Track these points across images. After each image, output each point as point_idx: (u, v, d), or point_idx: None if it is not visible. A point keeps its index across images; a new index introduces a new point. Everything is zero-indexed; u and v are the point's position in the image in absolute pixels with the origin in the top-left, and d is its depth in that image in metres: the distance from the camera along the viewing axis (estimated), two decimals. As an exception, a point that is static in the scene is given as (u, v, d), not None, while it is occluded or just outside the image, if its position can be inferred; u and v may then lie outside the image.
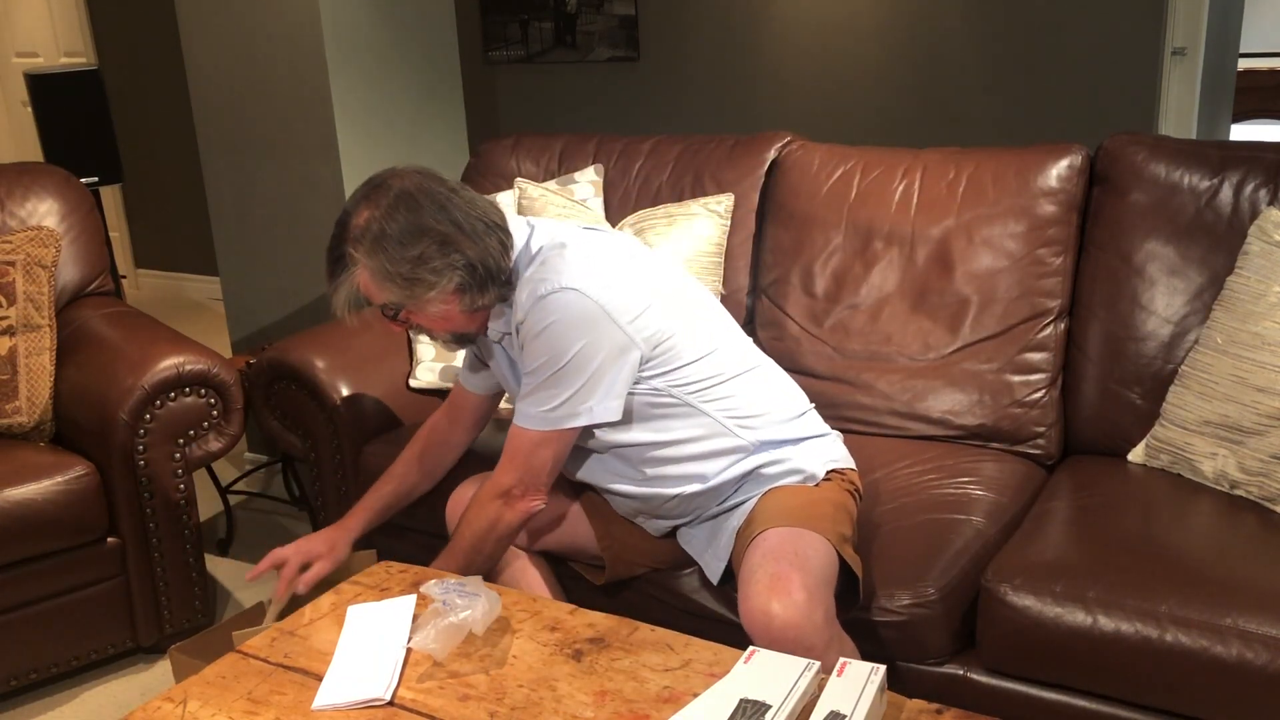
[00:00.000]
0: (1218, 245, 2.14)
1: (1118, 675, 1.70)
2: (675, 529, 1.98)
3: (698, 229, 2.58)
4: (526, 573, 2.01)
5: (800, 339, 2.45)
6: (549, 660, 1.53)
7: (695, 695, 1.40)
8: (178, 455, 2.50)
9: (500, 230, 1.80)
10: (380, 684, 1.49)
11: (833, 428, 2.01)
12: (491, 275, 1.78)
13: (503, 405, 2.33)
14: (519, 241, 1.82)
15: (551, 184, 2.78)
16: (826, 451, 1.90)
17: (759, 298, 2.58)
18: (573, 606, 1.69)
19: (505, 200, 2.79)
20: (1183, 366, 2.10)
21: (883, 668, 1.38)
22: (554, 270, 1.74)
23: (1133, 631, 1.67)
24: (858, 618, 1.80)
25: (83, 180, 3.10)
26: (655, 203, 2.73)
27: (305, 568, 1.98)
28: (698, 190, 2.69)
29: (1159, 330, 2.17)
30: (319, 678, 1.53)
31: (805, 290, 2.48)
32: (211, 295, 5.64)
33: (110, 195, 5.81)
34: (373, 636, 1.60)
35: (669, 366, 1.81)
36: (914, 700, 1.41)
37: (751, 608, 1.63)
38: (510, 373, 1.93)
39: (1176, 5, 3.04)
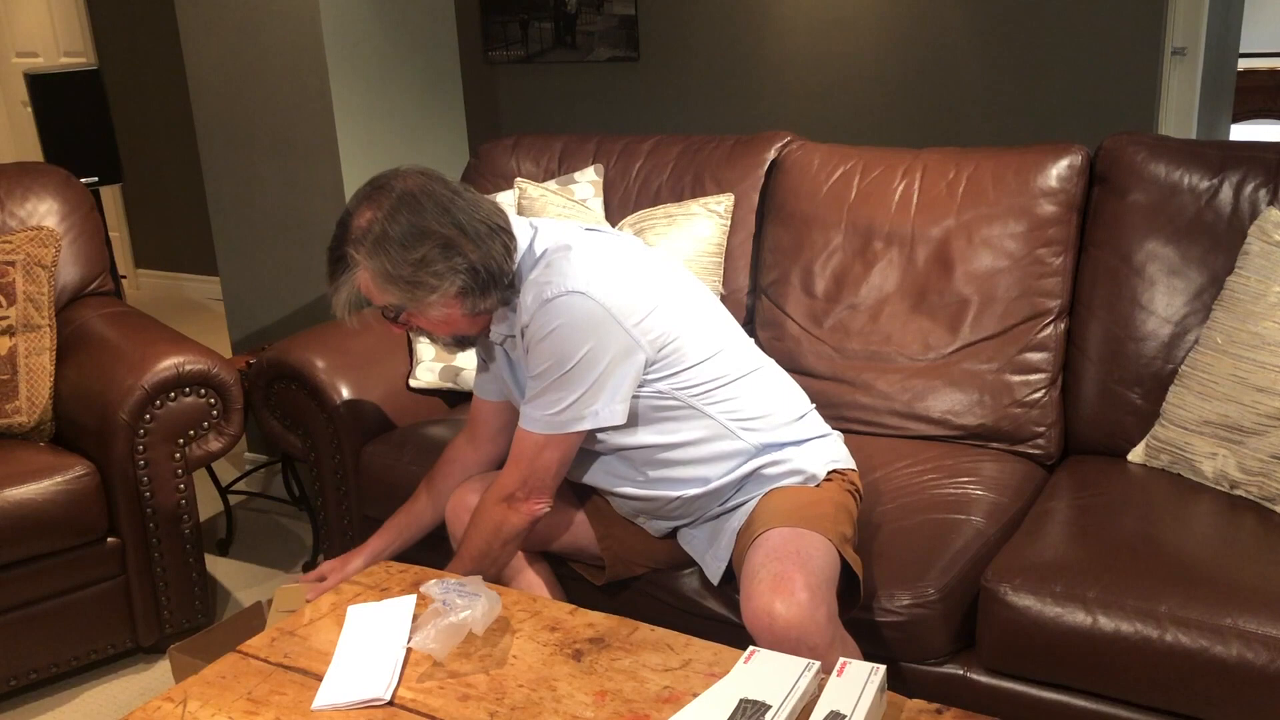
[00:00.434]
0: (1218, 245, 2.14)
1: (1118, 675, 1.70)
2: (676, 530, 1.98)
3: (698, 229, 2.58)
4: (526, 573, 2.01)
5: (800, 339, 2.45)
6: (549, 660, 1.53)
7: (695, 695, 1.40)
8: (178, 455, 2.50)
9: (504, 233, 1.79)
10: (380, 684, 1.49)
11: (833, 428, 2.01)
12: (494, 278, 1.76)
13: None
14: (522, 244, 1.81)
15: (551, 184, 2.78)
16: (828, 452, 1.90)
17: (759, 298, 2.58)
18: (573, 606, 1.69)
19: (505, 200, 2.79)
20: (1183, 366, 2.10)
21: (883, 668, 1.39)
22: (559, 273, 1.73)
23: (1133, 631, 1.67)
24: (858, 618, 1.80)
25: (83, 180, 3.10)
26: (655, 203, 2.73)
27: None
28: (698, 190, 2.69)
29: (1159, 330, 2.17)
30: (319, 678, 1.53)
31: (805, 290, 2.48)
32: (211, 295, 5.65)
33: (110, 195, 5.81)
34: (373, 636, 1.60)
35: (673, 369, 1.80)
36: (914, 700, 1.41)
37: (754, 608, 1.63)
38: (511, 376, 1.93)
39: (1176, 5, 3.04)
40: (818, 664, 1.41)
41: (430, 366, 2.65)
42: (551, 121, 4.51)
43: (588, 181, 2.80)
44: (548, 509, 1.85)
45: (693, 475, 1.86)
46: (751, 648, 1.47)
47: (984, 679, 1.82)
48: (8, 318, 2.53)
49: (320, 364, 2.54)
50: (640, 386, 1.79)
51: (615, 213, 2.77)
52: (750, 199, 2.63)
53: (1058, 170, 2.31)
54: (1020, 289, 2.30)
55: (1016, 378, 2.27)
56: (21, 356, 2.53)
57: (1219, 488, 2.01)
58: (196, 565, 2.59)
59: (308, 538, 3.17)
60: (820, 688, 1.37)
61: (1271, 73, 7.20)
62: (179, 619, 2.58)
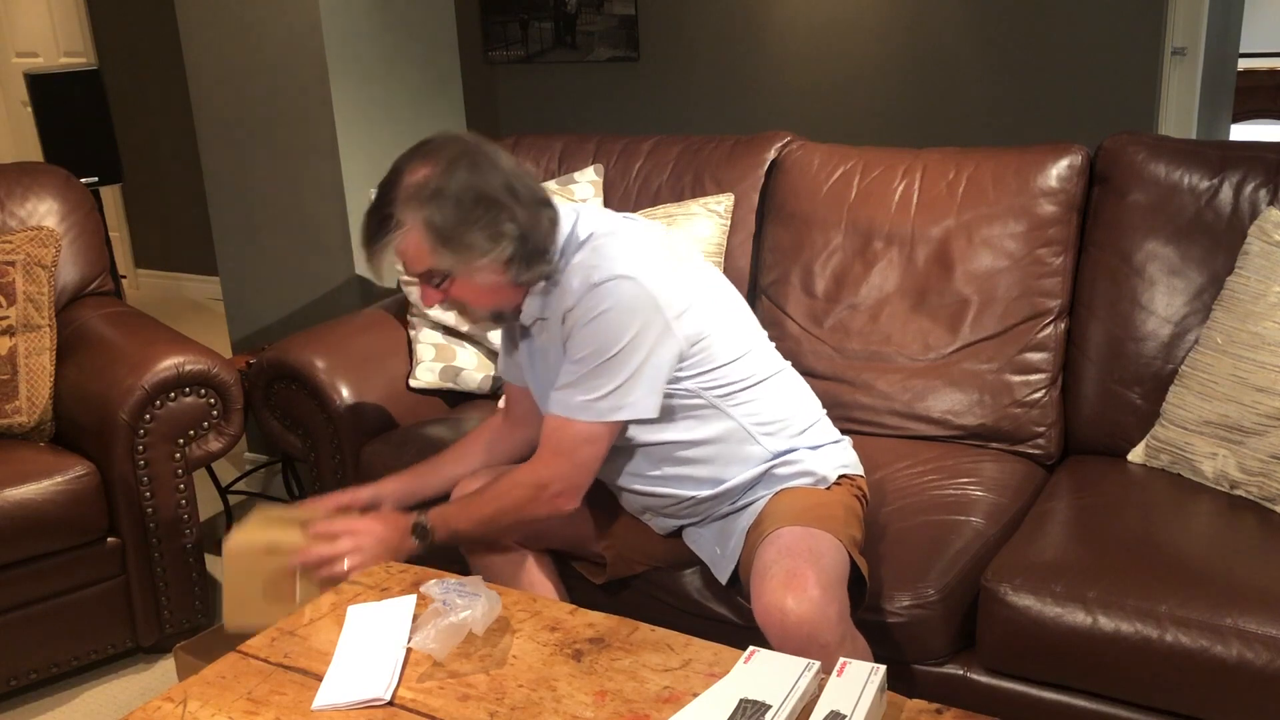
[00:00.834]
0: (1218, 245, 2.14)
1: (1118, 675, 1.70)
2: (681, 529, 1.98)
3: (698, 229, 2.58)
4: (531, 572, 2.01)
5: (800, 339, 2.45)
6: (549, 660, 1.53)
7: (695, 695, 1.40)
8: (178, 455, 2.50)
9: (549, 207, 1.75)
10: (380, 684, 1.49)
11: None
12: (539, 250, 1.72)
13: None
14: (565, 225, 1.78)
15: (551, 184, 2.78)
16: (839, 457, 1.90)
17: (759, 298, 2.57)
18: (573, 606, 1.69)
19: (505, 200, 2.79)
20: (1183, 366, 2.10)
21: (883, 668, 1.38)
22: (607, 257, 1.70)
23: (1133, 631, 1.67)
24: (858, 618, 1.80)
25: (83, 180, 3.10)
26: (655, 203, 2.73)
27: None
28: (698, 190, 2.69)
29: (1159, 330, 2.17)
30: (319, 678, 1.53)
31: (805, 290, 2.48)
32: (211, 295, 5.64)
33: (110, 195, 5.81)
34: (373, 636, 1.60)
35: (703, 368, 1.79)
36: (914, 700, 1.41)
37: (766, 604, 1.62)
38: (530, 360, 1.89)
39: (1176, 5, 3.04)
40: (818, 664, 1.41)
41: (430, 367, 2.65)
42: (551, 121, 4.51)
43: (588, 181, 2.80)
44: (573, 510, 1.82)
45: (708, 475, 1.85)
46: (751, 648, 1.47)
47: (984, 679, 1.82)
48: (8, 318, 2.53)
49: (320, 364, 2.54)
50: (669, 382, 1.77)
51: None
52: (750, 199, 2.63)
53: (1058, 170, 2.31)
54: (1020, 289, 2.30)
55: (1016, 378, 2.27)
56: (21, 356, 2.53)
57: (1219, 488, 2.01)
58: (196, 565, 2.59)
59: (308, 538, 3.17)
60: (820, 688, 1.37)
61: (1271, 73, 7.20)
62: (179, 619, 2.58)
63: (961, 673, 1.83)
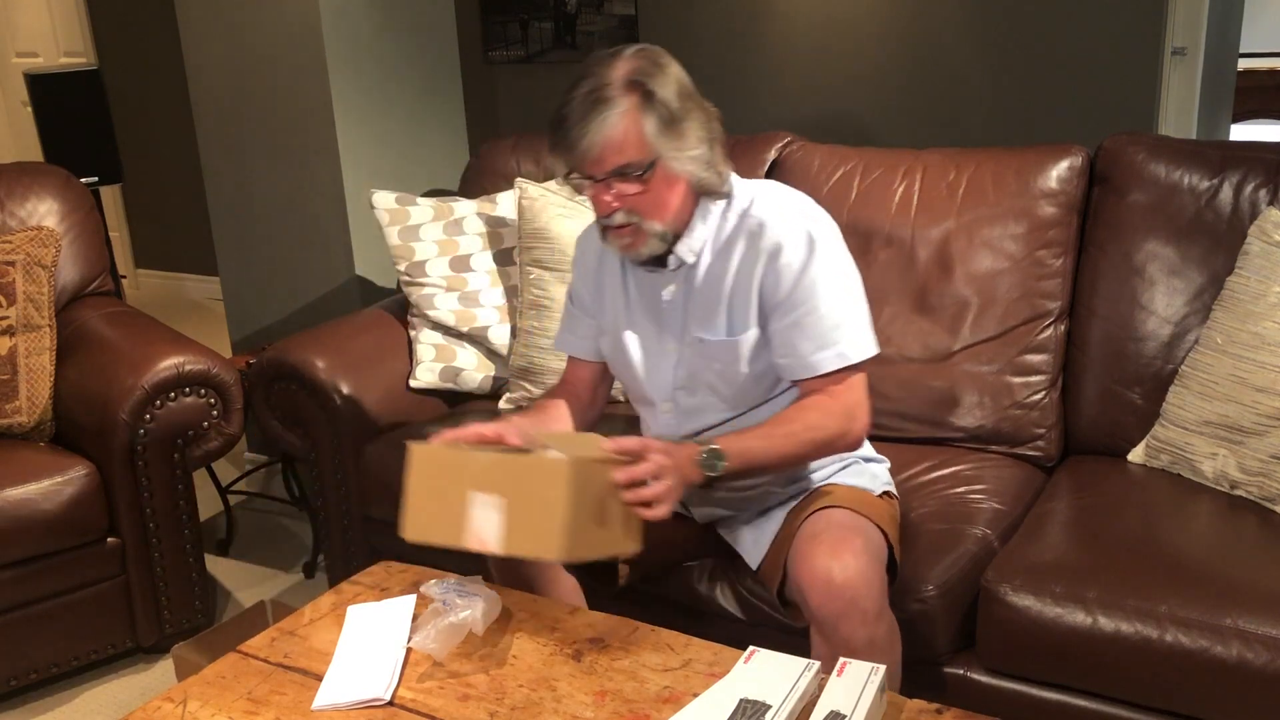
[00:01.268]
0: (1218, 245, 2.14)
1: (1118, 675, 1.70)
2: (718, 519, 1.93)
3: (698, 229, 2.57)
4: (561, 583, 1.86)
5: (800, 339, 2.45)
6: (549, 660, 1.53)
7: (695, 695, 1.40)
8: (178, 455, 2.50)
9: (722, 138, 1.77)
10: (380, 684, 1.49)
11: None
12: (714, 165, 1.73)
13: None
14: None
15: (552, 184, 2.78)
16: (884, 474, 1.93)
17: (759, 298, 2.57)
18: (572, 606, 1.69)
19: (506, 200, 2.79)
20: (1183, 367, 2.10)
21: (883, 668, 1.39)
22: (801, 198, 1.78)
23: (1133, 632, 1.67)
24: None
25: (83, 180, 3.10)
26: (655, 203, 2.72)
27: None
28: (698, 190, 2.68)
29: (1159, 330, 2.17)
30: (319, 678, 1.53)
31: (805, 290, 2.48)
32: (211, 295, 5.64)
33: (110, 195, 5.81)
34: (373, 636, 1.60)
35: None
36: (914, 700, 1.41)
37: (813, 566, 1.64)
38: (659, 308, 1.80)
39: (1176, 5, 3.03)
40: (817, 664, 1.42)
41: (430, 367, 2.65)
42: (551, 121, 4.49)
43: (588, 181, 2.80)
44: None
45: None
46: (752, 647, 1.47)
47: (984, 679, 1.82)
48: (8, 318, 2.53)
49: (320, 364, 2.54)
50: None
51: (615, 213, 2.77)
52: (750, 199, 2.62)
53: (1058, 171, 2.31)
54: (1020, 290, 2.30)
55: (1017, 379, 2.27)
56: (21, 356, 2.53)
57: (1219, 488, 2.01)
58: (196, 565, 2.59)
59: (308, 538, 3.17)
60: (820, 688, 1.37)
61: (1271, 73, 7.19)
62: (179, 619, 2.58)
63: (961, 673, 1.83)
